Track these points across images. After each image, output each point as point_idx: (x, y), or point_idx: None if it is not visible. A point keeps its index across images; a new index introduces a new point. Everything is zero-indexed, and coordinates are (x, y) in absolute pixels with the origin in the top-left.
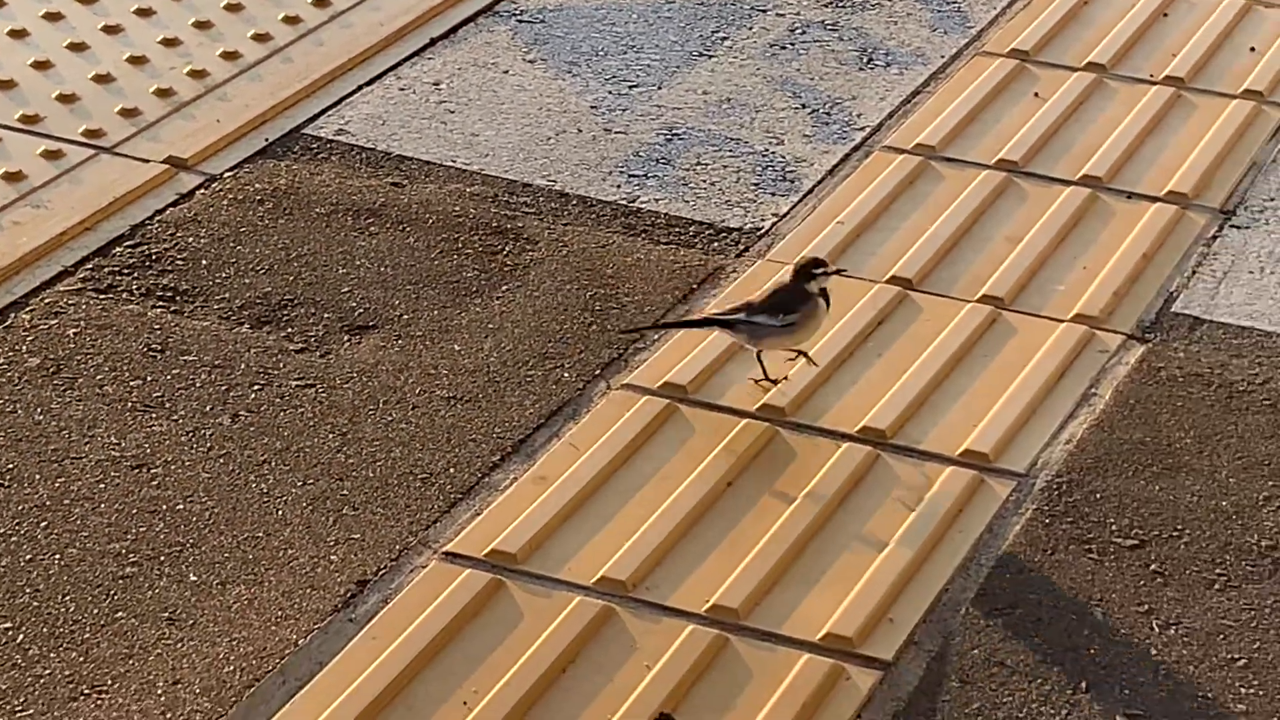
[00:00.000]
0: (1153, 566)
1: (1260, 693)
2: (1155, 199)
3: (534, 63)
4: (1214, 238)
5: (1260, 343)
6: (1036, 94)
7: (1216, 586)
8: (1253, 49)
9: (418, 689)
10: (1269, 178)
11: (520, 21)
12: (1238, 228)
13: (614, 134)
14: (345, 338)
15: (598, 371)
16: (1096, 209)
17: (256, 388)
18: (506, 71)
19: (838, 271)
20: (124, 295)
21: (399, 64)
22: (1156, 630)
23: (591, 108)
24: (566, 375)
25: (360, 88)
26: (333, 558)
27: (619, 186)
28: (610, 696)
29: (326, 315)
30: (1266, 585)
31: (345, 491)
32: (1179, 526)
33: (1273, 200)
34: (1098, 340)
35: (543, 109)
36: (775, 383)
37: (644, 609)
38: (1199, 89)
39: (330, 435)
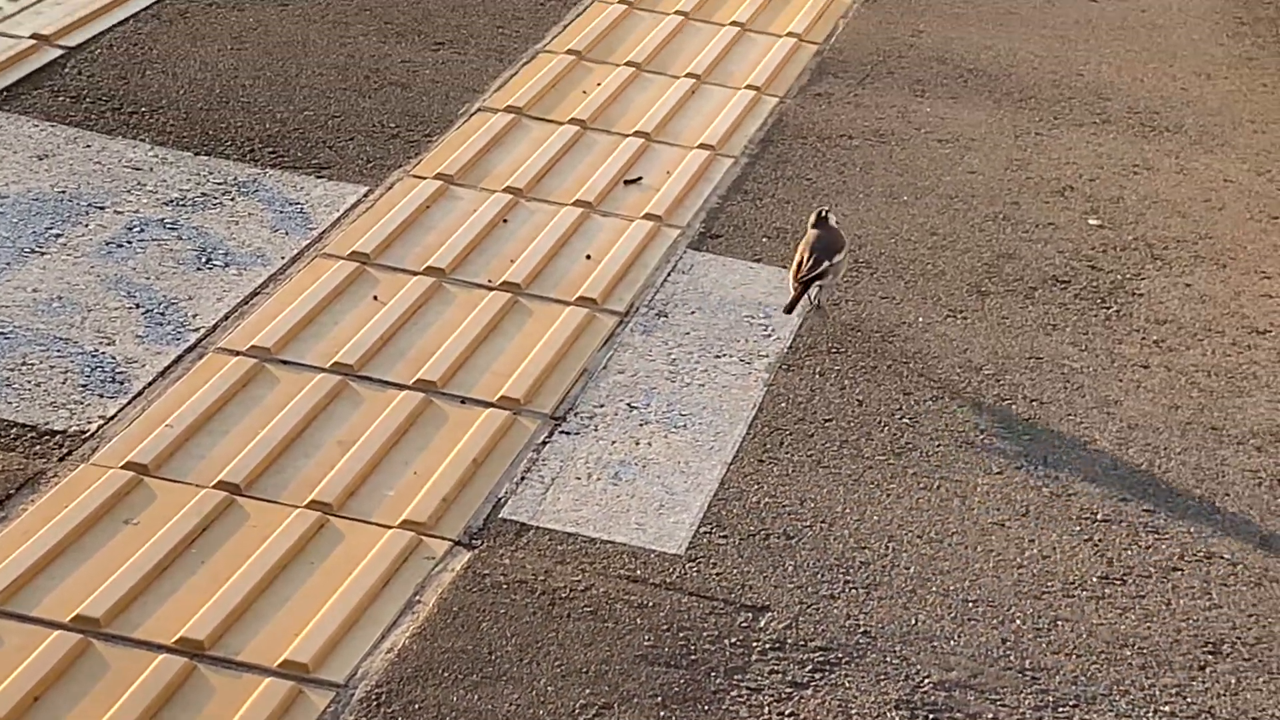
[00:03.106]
0: None
1: None
2: (488, 404)
3: None
4: (544, 444)
5: (584, 549)
6: (375, 297)
7: None
8: (589, 256)
9: None
10: (599, 385)
11: None
12: (567, 434)
13: None
14: None
15: None
16: (430, 413)
17: None
18: None
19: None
20: None
21: None
22: None
23: None
24: None
25: None
26: None
27: None
28: None
29: None
30: None
31: None
32: None
33: (602, 407)
34: (425, 546)
35: None
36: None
37: None
38: (535, 295)
39: None
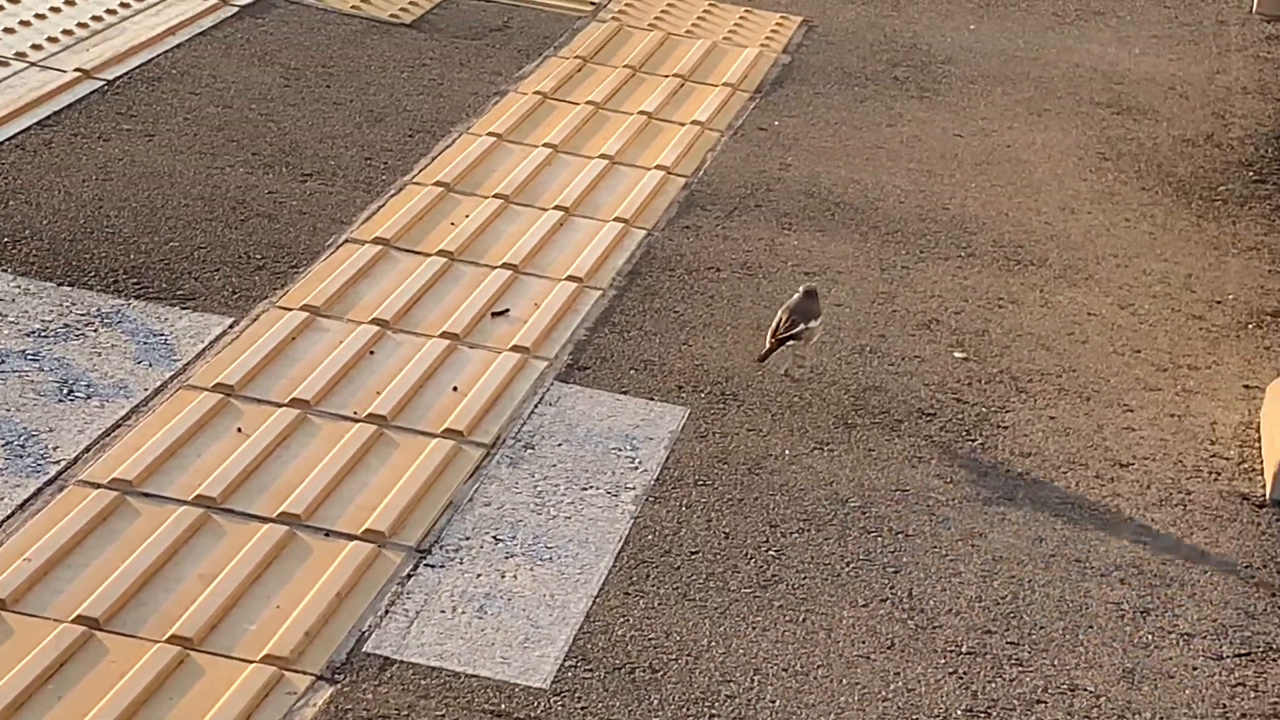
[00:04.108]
0: None
1: None
2: (352, 537)
3: None
4: (409, 577)
5: (448, 683)
6: (240, 429)
7: None
8: (455, 388)
9: None
10: (465, 517)
11: None
12: (432, 567)
13: None
14: None
15: None
16: (294, 546)
17: None
18: None
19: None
20: None
21: None
22: None
23: None
24: None
25: None
26: None
27: None
28: None
29: None
30: None
31: None
32: None
33: (468, 539)
34: (286, 681)
35: None
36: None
37: None
38: (401, 427)
39: None
